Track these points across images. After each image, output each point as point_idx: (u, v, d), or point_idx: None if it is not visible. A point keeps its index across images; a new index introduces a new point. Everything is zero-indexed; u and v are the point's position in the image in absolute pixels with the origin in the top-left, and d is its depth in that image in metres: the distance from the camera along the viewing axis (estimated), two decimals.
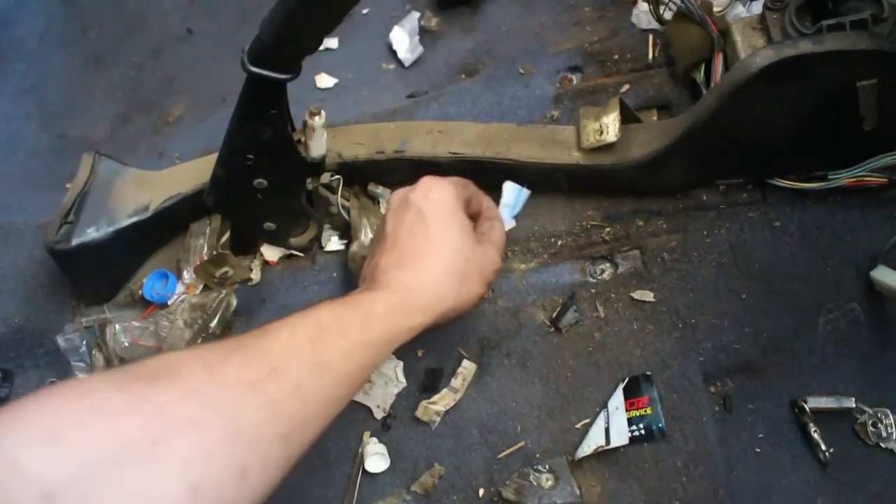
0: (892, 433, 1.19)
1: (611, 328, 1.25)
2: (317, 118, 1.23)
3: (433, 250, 1.05)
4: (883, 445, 1.20)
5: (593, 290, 1.28)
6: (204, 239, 1.47)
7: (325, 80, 1.75)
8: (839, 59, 1.06)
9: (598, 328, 1.26)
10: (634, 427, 1.14)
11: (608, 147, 1.25)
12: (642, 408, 1.14)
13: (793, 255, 1.24)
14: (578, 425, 1.21)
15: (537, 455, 1.21)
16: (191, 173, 1.45)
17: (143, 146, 1.83)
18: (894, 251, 1.20)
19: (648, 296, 1.25)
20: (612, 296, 1.27)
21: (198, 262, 1.44)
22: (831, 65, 1.07)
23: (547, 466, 1.20)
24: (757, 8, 1.43)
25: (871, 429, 1.20)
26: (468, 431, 1.26)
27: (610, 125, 1.24)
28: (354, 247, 1.33)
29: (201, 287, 1.47)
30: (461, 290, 1.05)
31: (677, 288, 1.25)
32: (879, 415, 1.20)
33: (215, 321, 1.42)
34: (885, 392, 1.23)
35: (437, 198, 1.08)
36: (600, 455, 1.18)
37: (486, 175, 1.34)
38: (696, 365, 1.22)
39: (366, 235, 1.35)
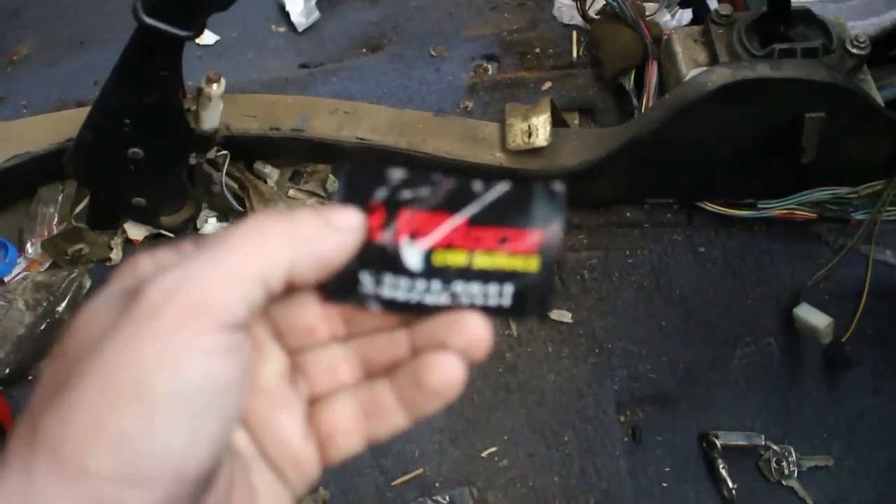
0: (794, 471, 1.17)
1: (523, 349, 1.16)
2: (215, 86, 1.05)
3: None
4: (784, 483, 1.18)
5: None
6: (55, 207, 1.25)
7: (204, 36, 1.53)
8: (794, 88, 1.01)
9: (509, 348, 1.16)
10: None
11: (536, 151, 1.14)
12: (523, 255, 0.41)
13: (714, 284, 1.19)
14: (485, 454, 1.11)
15: (437, 484, 1.10)
16: (44, 129, 1.22)
17: None
18: (816, 288, 1.17)
19: (566, 316, 1.17)
20: None
21: (46, 235, 1.22)
22: (786, 92, 1.02)
23: (447, 498, 1.09)
24: (685, 17, 1.37)
25: (774, 466, 1.18)
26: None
27: (540, 127, 1.14)
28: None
29: (48, 263, 1.26)
30: None
31: (596, 310, 1.17)
32: (784, 452, 1.18)
33: (64, 304, 1.21)
34: (788, 428, 1.20)
35: None
36: (507, 489, 1.08)
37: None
38: (611, 394, 1.15)
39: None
